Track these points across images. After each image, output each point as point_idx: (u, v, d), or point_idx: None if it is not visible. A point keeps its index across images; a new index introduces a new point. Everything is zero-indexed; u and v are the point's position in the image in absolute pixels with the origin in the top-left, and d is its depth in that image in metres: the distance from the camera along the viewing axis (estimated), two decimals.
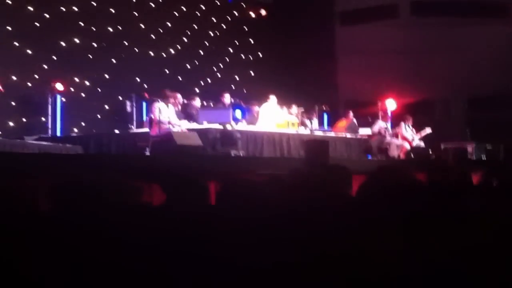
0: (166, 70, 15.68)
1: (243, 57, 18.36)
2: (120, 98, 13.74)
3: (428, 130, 14.55)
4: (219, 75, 17.21)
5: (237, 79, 17.85)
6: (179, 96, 11.67)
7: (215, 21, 17.56)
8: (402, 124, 14.51)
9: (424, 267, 2.01)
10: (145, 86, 13.83)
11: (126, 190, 2.48)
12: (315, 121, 14.61)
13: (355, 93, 19.79)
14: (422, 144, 14.57)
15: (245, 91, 15.81)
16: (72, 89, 13.02)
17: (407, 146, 14.18)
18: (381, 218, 2.26)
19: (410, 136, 14.39)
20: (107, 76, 14.16)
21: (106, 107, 14.11)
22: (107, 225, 2.14)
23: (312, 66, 18.57)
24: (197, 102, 12.31)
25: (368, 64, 20.52)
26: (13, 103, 11.93)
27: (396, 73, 20.08)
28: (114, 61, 14.36)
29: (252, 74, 18.31)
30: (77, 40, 13.67)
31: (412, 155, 14.06)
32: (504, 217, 2.54)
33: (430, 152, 14.62)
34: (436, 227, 2.21)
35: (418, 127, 14.67)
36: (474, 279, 2.01)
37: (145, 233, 2.17)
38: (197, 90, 15.57)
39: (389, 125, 14.84)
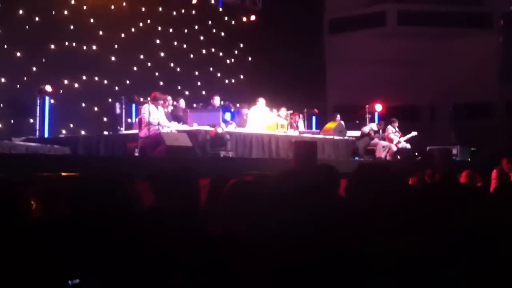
0: (155, 73, 15.64)
1: (233, 61, 18.35)
2: (110, 100, 13.68)
3: (413, 133, 14.72)
4: (209, 79, 17.18)
5: (227, 82, 17.87)
6: (169, 98, 11.65)
7: (206, 25, 17.52)
8: (389, 127, 14.70)
9: (417, 262, 1.99)
10: (135, 88, 13.75)
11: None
12: (303, 123, 14.68)
13: (343, 98, 19.96)
14: (408, 146, 14.72)
15: (234, 95, 15.80)
16: (61, 91, 12.93)
17: (394, 148, 14.33)
18: (368, 215, 2.25)
19: (396, 139, 14.54)
20: (96, 78, 14.10)
21: (95, 109, 14.04)
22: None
23: (301, 72, 18.65)
24: (181, 103, 12.29)
25: (356, 71, 20.70)
26: (1, 105, 11.81)
27: (383, 80, 20.29)
28: (103, 63, 14.30)
29: (242, 77, 18.32)
30: (66, 43, 13.60)
31: (398, 157, 14.20)
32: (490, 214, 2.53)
33: (416, 154, 14.76)
34: (424, 223, 2.20)
35: (404, 132, 14.82)
36: (463, 273, 2.00)
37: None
38: (187, 93, 15.55)
39: (379, 128, 14.97)
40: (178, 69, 16.32)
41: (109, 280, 1.97)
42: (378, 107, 16.47)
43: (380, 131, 14.84)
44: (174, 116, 11.84)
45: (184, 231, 2.40)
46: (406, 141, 14.68)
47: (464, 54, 20.87)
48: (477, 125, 19.47)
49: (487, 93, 20.32)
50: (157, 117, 10.75)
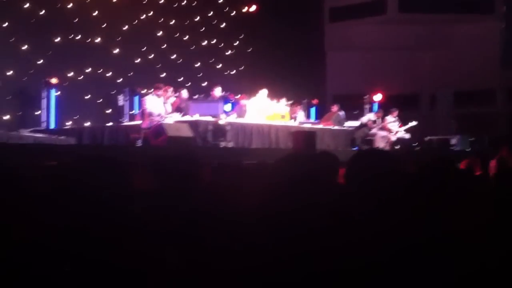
0: (157, 64, 15.58)
1: (234, 52, 18.28)
2: (113, 92, 13.64)
3: (413, 123, 14.54)
4: (210, 70, 17.11)
5: (227, 73, 17.79)
6: (170, 89, 11.58)
7: (206, 17, 17.44)
8: (387, 117, 14.55)
9: (414, 251, 1.93)
10: (137, 80, 13.71)
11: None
12: (303, 114, 14.60)
13: (343, 87, 19.79)
14: (407, 136, 14.58)
15: (235, 85, 15.72)
16: (66, 83, 12.90)
17: (393, 138, 14.20)
18: (367, 202, 2.18)
19: (395, 128, 14.41)
20: (100, 70, 14.05)
21: (99, 100, 14.02)
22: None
23: (301, 61, 18.53)
24: (184, 94, 12.21)
25: (356, 59, 20.54)
26: (9, 97, 11.77)
27: (383, 68, 20.11)
28: (107, 56, 14.25)
29: (242, 68, 18.24)
30: (70, 36, 13.55)
31: (397, 146, 14.10)
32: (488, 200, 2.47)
33: (414, 144, 14.65)
34: (424, 210, 2.13)
35: (403, 121, 14.67)
36: (462, 261, 1.94)
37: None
38: (188, 84, 15.48)
39: (377, 118, 14.85)
40: (180, 61, 16.26)
41: None
42: (377, 97, 16.31)
43: (380, 119, 14.69)
44: (177, 107, 11.76)
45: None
46: (406, 130, 14.53)
47: (465, 41, 20.56)
48: (477, 111, 19.32)
49: (487, 80, 20.09)
50: (158, 108, 10.73)
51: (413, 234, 1.99)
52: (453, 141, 15.04)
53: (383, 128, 14.43)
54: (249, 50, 18.55)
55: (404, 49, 20.76)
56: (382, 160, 2.42)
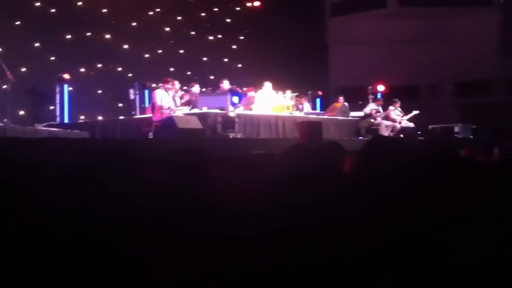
0: (166, 59, 15.62)
1: (239, 46, 18.29)
2: (124, 87, 13.69)
3: (415, 112, 14.57)
4: (217, 64, 17.14)
5: (234, 66, 17.81)
6: (176, 83, 11.61)
7: (212, 13, 17.45)
8: (391, 107, 14.56)
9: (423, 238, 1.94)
10: (147, 75, 13.75)
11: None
12: (309, 105, 14.61)
13: (345, 79, 19.81)
14: (411, 125, 14.58)
15: (241, 78, 15.73)
16: (78, 79, 12.95)
17: (398, 126, 14.22)
18: (378, 190, 2.19)
19: (399, 118, 14.42)
20: (110, 66, 14.10)
21: (111, 95, 14.07)
22: None
23: (305, 55, 18.53)
24: (195, 88, 12.23)
25: (358, 52, 20.55)
26: (23, 93, 11.83)
27: (384, 61, 20.12)
28: (116, 51, 14.29)
29: (248, 62, 18.24)
30: (81, 33, 13.60)
31: (401, 135, 14.08)
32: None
33: (419, 132, 14.63)
34: (430, 198, 2.13)
35: (405, 111, 14.69)
36: (466, 249, 1.94)
37: None
38: (196, 78, 15.50)
39: (381, 108, 14.85)
40: (187, 55, 16.29)
41: None
42: (380, 88, 16.33)
43: (380, 107, 14.69)
44: (188, 101, 11.80)
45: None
46: (409, 120, 14.55)
47: (464, 33, 20.56)
48: (478, 102, 19.28)
49: (487, 71, 20.08)
50: (168, 101, 10.77)
51: (421, 221, 2.00)
52: (456, 129, 15.02)
53: (387, 118, 14.44)
54: (254, 44, 18.54)
55: (404, 42, 20.76)
56: (394, 148, 2.42)
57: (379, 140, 2.67)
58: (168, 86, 11.05)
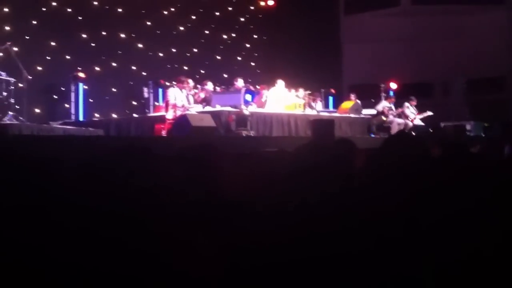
0: (179, 58, 15.68)
1: (253, 44, 18.30)
2: (138, 85, 13.76)
3: (429, 113, 14.50)
4: (231, 62, 17.17)
5: (247, 65, 17.82)
6: (190, 81, 11.67)
7: (225, 11, 17.47)
8: (406, 104, 14.52)
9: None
10: (161, 73, 13.82)
11: None
12: (321, 103, 14.59)
13: (359, 77, 19.75)
14: (422, 123, 14.51)
15: (254, 77, 15.75)
16: (93, 77, 13.04)
17: (410, 124, 14.15)
18: (390, 190, 2.18)
19: (412, 116, 14.37)
20: (124, 64, 14.18)
21: (125, 93, 14.16)
22: None
23: (318, 53, 18.49)
24: (209, 86, 12.26)
25: (371, 50, 20.46)
26: (39, 92, 11.94)
27: (397, 58, 20.01)
28: (131, 50, 14.37)
29: (261, 60, 18.26)
30: (96, 32, 13.68)
31: (413, 133, 14.00)
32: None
33: (430, 130, 14.55)
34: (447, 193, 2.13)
35: (418, 109, 14.63)
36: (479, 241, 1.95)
37: None
38: (210, 76, 15.55)
39: (393, 105, 14.80)
40: (201, 54, 16.32)
41: None
42: (393, 85, 16.27)
43: (393, 105, 14.63)
44: (204, 99, 11.84)
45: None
46: (422, 119, 14.49)
47: (476, 30, 20.42)
48: (490, 99, 19.13)
49: (499, 68, 19.92)
50: (181, 99, 10.82)
51: (432, 216, 2.00)
52: (468, 126, 14.92)
53: (400, 115, 14.38)
54: (268, 43, 18.53)
55: (418, 40, 20.63)
56: (413, 145, 2.41)
57: (402, 136, 2.67)
58: (182, 84, 11.11)
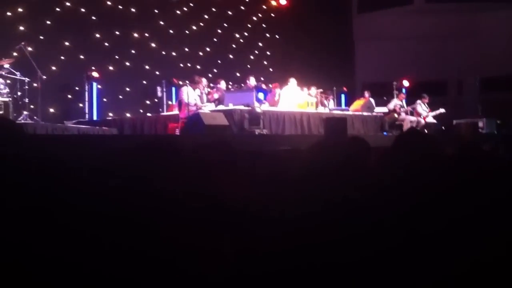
0: (192, 57, 15.72)
1: (265, 43, 18.30)
2: (151, 84, 13.81)
3: (441, 110, 14.43)
4: (243, 61, 17.18)
5: (259, 63, 17.81)
6: (204, 80, 11.70)
7: (238, 11, 17.48)
8: (419, 101, 14.46)
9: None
10: (174, 72, 13.86)
11: None
12: (333, 101, 14.56)
13: (371, 75, 19.69)
14: (435, 121, 14.45)
15: (267, 75, 15.75)
16: (107, 77, 13.11)
17: (422, 122, 14.09)
18: (403, 187, 2.18)
19: (425, 113, 14.30)
20: (138, 64, 14.23)
21: (138, 92, 14.22)
22: None
23: (330, 51, 18.46)
24: (222, 85, 12.30)
25: (384, 49, 20.39)
26: (53, 91, 12.04)
27: (411, 57, 19.94)
28: (144, 50, 14.42)
29: (273, 58, 18.25)
30: (110, 32, 13.75)
31: (425, 131, 13.92)
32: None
33: (443, 128, 14.48)
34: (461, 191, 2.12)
35: (431, 106, 14.56)
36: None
37: None
38: (223, 75, 15.57)
39: (404, 103, 14.74)
40: (214, 53, 16.34)
41: None
42: (405, 83, 16.20)
43: (404, 102, 14.57)
44: (214, 98, 11.87)
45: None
46: (434, 117, 14.41)
47: (490, 28, 20.29)
48: (503, 97, 18.97)
49: None
50: (194, 98, 10.85)
51: (446, 216, 1.99)
52: (481, 124, 14.83)
53: (412, 113, 14.33)
54: (280, 42, 18.52)
55: (431, 38, 20.50)
56: (426, 143, 2.40)
57: (413, 134, 2.66)
58: (195, 83, 11.14)
